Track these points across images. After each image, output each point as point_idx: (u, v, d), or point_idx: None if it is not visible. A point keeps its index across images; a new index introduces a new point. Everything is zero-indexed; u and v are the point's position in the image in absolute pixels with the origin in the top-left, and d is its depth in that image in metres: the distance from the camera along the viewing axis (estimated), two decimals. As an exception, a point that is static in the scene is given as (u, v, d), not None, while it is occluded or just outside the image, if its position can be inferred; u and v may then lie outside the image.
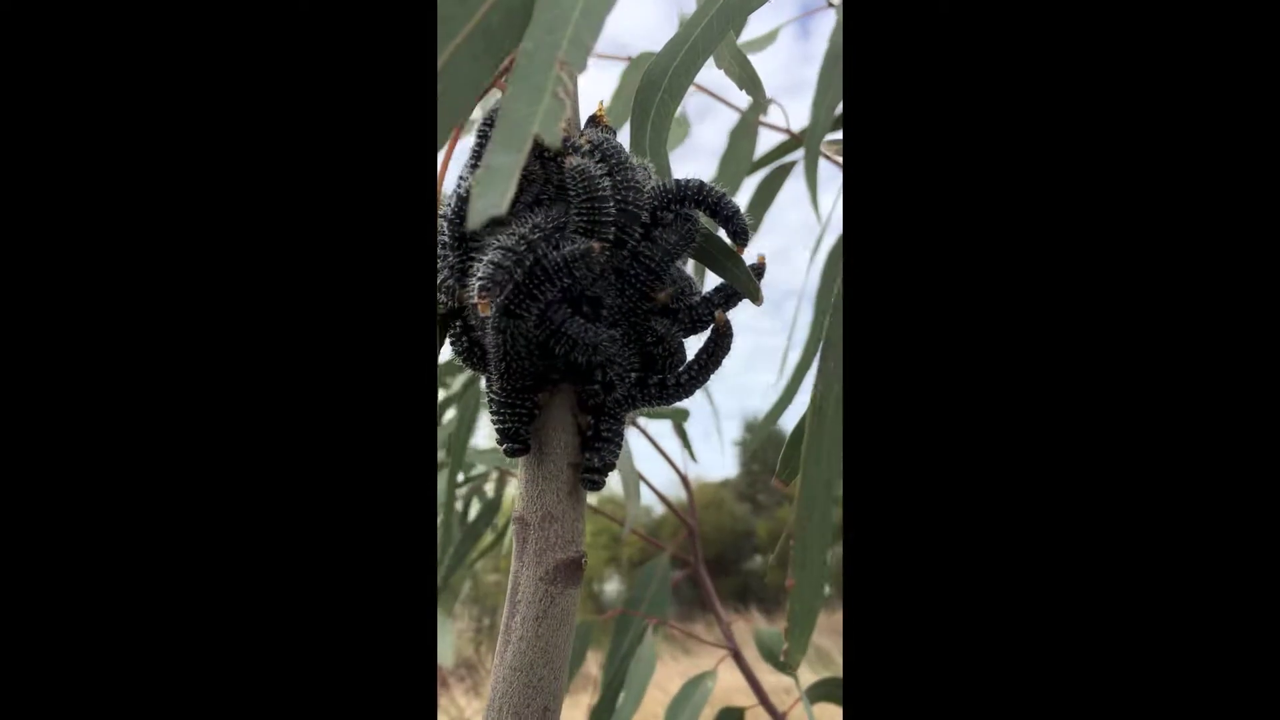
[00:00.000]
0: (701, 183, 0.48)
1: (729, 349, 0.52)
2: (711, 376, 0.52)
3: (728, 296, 0.51)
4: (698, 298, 0.49)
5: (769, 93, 0.68)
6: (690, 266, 0.59)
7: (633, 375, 0.49)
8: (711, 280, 0.54)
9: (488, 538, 1.37)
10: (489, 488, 1.44)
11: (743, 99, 1.32)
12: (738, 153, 1.27)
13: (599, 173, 0.44)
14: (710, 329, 0.50)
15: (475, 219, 0.29)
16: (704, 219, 0.50)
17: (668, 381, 0.49)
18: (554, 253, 0.42)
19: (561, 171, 0.45)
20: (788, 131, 1.31)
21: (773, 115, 1.30)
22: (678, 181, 0.48)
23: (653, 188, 0.47)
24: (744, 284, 0.49)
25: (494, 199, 0.29)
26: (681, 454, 1.55)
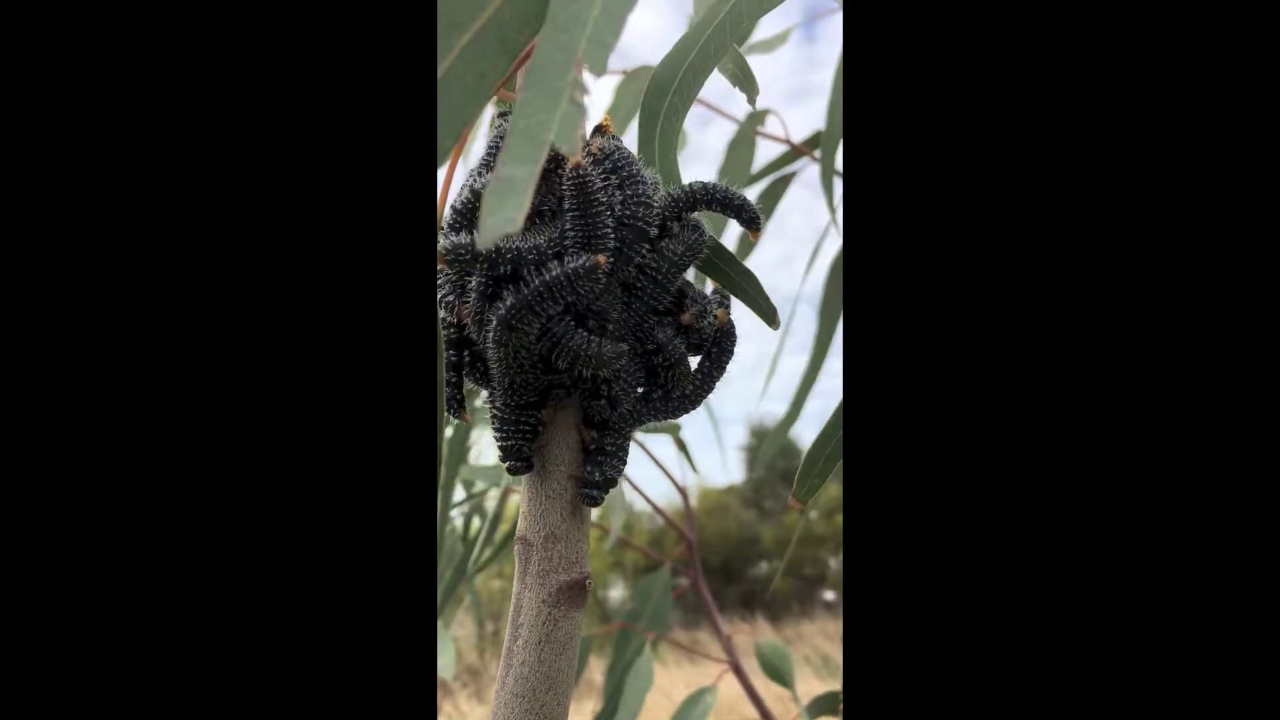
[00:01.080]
0: (704, 183, 0.46)
1: (733, 352, 0.50)
2: (718, 384, 0.51)
3: (723, 298, 0.50)
4: (712, 318, 0.48)
5: (773, 100, 0.67)
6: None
7: (639, 390, 0.47)
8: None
9: (487, 554, 1.36)
10: (490, 504, 1.43)
11: (740, 109, 1.32)
12: (736, 163, 1.27)
13: (600, 184, 0.42)
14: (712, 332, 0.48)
15: (488, 236, 0.27)
16: (710, 224, 0.48)
17: (672, 394, 0.48)
18: (557, 268, 0.41)
19: (561, 180, 0.43)
20: (787, 142, 1.31)
21: (772, 126, 1.31)
22: (683, 188, 0.47)
23: (661, 197, 0.46)
24: (758, 303, 0.48)
25: (508, 214, 0.27)
26: (680, 464, 1.54)
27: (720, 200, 0.47)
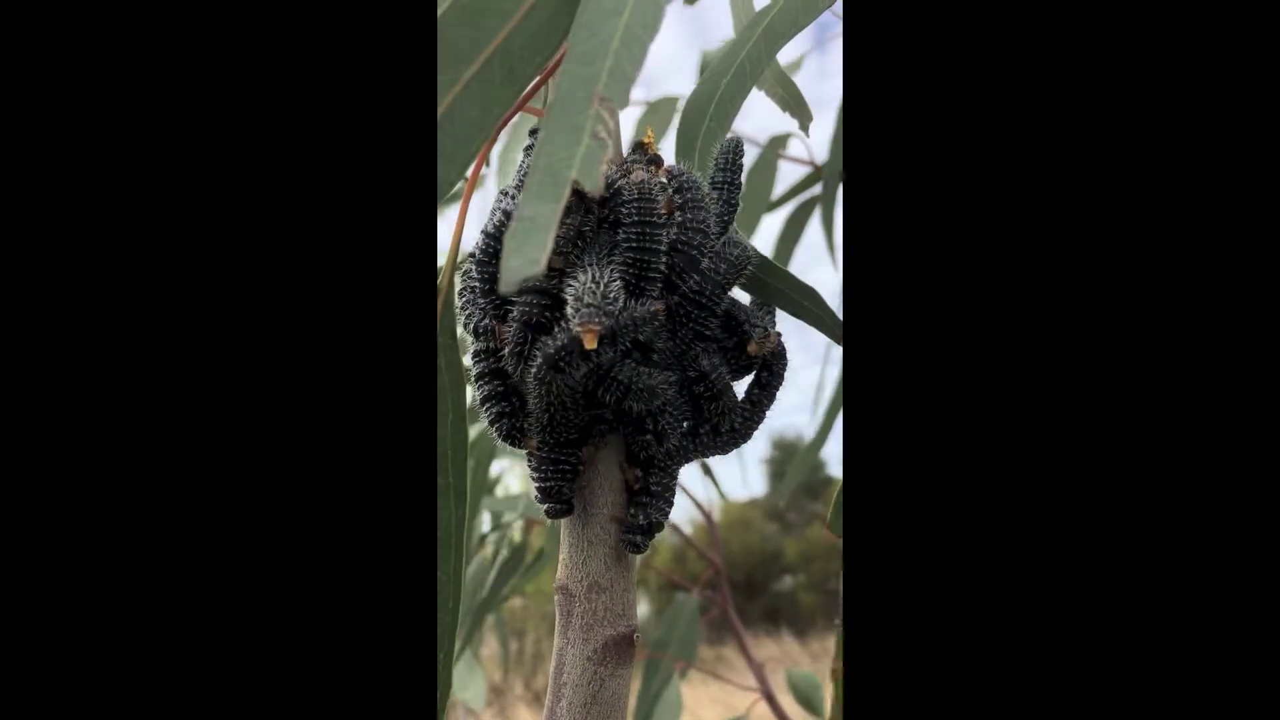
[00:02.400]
0: (723, 157, 0.45)
1: (784, 377, 0.47)
2: (768, 414, 0.48)
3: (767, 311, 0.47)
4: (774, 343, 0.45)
5: (782, 111, 0.65)
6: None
7: (685, 424, 0.44)
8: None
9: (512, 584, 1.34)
10: (515, 533, 1.41)
11: (758, 132, 1.30)
12: (756, 190, 1.25)
13: (658, 194, 0.40)
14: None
15: (510, 279, 0.25)
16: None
17: (720, 428, 0.45)
18: (623, 312, 0.37)
19: (604, 206, 0.40)
20: (811, 164, 1.29)
21: (793, 148, 1.30)
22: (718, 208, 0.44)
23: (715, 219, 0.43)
24: (822, 320, 0.45)
25: (531, 255, 0.25)
26: (704, 484, 1.53)
27: (734, 163, 0.46)
